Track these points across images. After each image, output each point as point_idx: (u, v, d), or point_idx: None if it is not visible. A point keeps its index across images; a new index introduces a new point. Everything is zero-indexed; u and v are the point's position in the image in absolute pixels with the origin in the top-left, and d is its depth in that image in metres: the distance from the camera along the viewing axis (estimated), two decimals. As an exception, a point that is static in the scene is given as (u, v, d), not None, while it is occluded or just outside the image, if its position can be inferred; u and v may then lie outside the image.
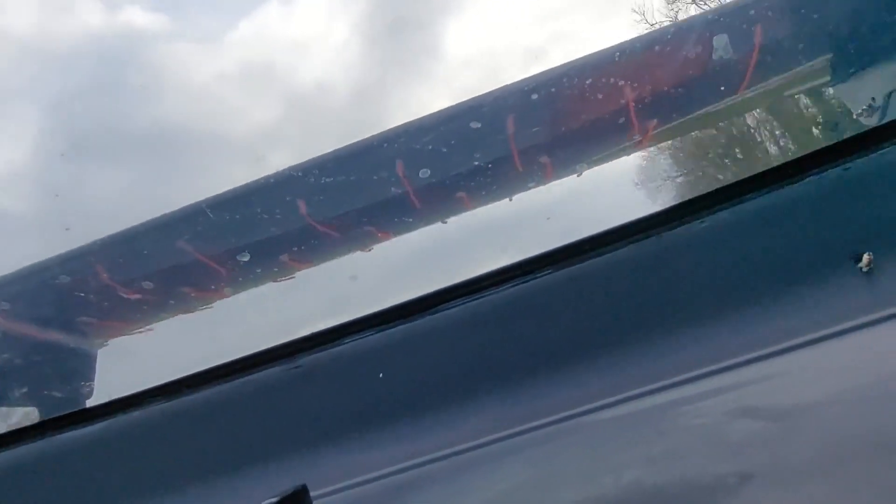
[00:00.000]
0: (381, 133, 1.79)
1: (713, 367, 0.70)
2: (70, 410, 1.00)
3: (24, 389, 1.76)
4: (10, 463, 0.96)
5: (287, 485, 0.63)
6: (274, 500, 0.59)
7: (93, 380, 1.93)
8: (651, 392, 0.71)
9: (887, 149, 0.81)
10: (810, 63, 1.96)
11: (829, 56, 1.95)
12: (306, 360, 0.91)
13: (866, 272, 0.74)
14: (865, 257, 0.74)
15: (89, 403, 1.85)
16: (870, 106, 1.89)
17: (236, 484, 0.85)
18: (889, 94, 1.82)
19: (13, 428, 1.02)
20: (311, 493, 0.65)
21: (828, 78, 2.04)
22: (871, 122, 1.89)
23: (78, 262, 1.85)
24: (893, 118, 0.83)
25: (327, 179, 1.78)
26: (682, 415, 0.64)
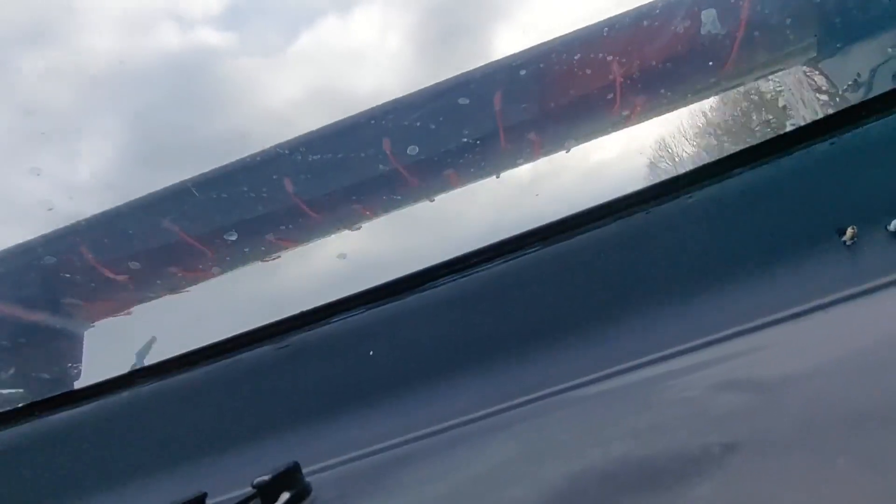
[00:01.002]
0: (369, 110, 1.76)
1: (699, 342, 0.71)
2: (58, 392, 0.99)
3: (11, 371, 1.75)
4: None
5: (279, 462, 0.63)
6: (266, 477, 0.59)
7: (80, 361, 1.92)
8: (638, 367, 0.72)
9: (872, 123, 0.81)
10: (797, 38, 1.96)
11: (816, 31, 1.95)
12: (295, 338, 0.91)
13: (850, 246, 0.75)
14: (850, 231, 0.75)
15: (77, 385, 1.84)
16: (855, 81, 1.90)
17: (228, 463, 0.85)
18: (874, 70, 1.83)
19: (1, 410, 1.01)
20: (304, 470, 0.66)
21: (814, 53, 2.04)
22: (857, 97, 1.90)
23: (63, 242, 1.83)
24: (878, 93, 0.83)
25: (314, 157, 1.76)
26: (669, 388, 0.65)
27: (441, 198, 2.09)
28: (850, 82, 1.92)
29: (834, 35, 1.91)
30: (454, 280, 0.88)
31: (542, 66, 1.78)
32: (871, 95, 1.75)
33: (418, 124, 1.72)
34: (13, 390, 1.74)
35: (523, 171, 2.12)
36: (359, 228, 2.06)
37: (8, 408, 1.00)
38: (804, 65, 2.35)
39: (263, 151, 1.76)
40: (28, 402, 1.00)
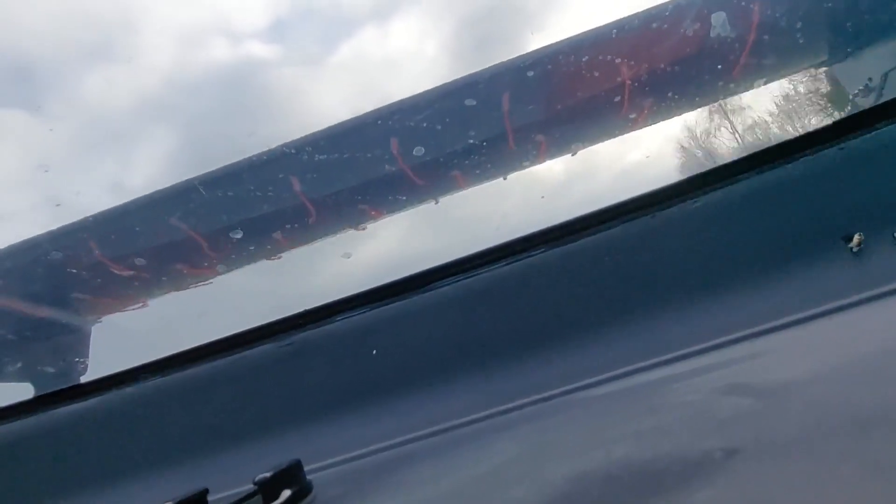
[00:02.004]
0: (376, 110, 1.76)
1: (703, 345, 0.71)
2: (64, 386, 1.00)
3: (19, 365, 1.76)
4: (4, 438, 0.96)
5: (281, 460, 0.63)
6: (268, 474, 0.60)
7: (87, 356, 1.93)
8: (642, 370, 0.71)
9: (882, 129, 0.81)
10: (807, 42, 1.94)
11: (827, 35, 1.93)
12: (299, 337, 0.92)
13: (856, 252, 0.75)
14: (856, 237, 0.75)
15: (83, 379, 1.85)
16: (866, 86, 1.89)
17: (230, 459, 0.86)
18: (886, 75, 1.81)
19: (8, 403, 1.02)
20: (305, 468, 0.66)
21: (825, 57, 2.03)
22: (868, 102, 1.89)
23: (70, 238, 1.84)
24: (889, 98, 0.83)
25: (321, 157, 1.76)
26: (673, 392, 0.65)
27: (447, 198, 2.09)
28: (860, 87, 1.91)
29: (845, 39, 1.89)
30: (458, 281, 0.88)
31: (549, 67, 1.77)
32: (881, 101, 1.74)
33: (425, 125, 1.72)
34: (20, 384, 1.76)
35: (529, 173, 2.11)
36: (364, 228, 2.06)
37: (15, 401, 1.01)
38: (814, 68, 2.33)
39: (270, 150, 1.76)
40: (35, 396, 1.01)
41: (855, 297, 0.68)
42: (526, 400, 0.74)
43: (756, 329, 0.70)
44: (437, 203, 2.06)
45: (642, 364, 0.72)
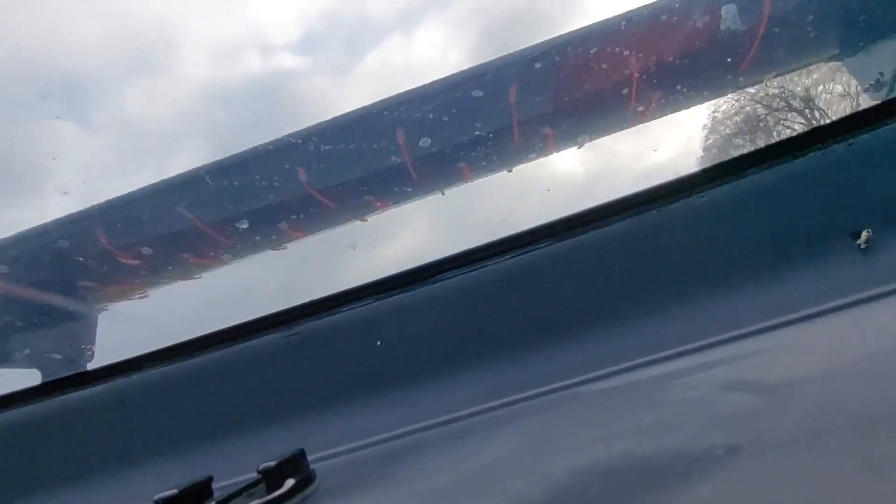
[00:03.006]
0: (382, 101, 1.76)
1: (708, 341, 0.70)
2: (71, 373, 1.01)
3: (26, 351, 1.78)
4: (11, 423, 0.97)
5: (285, 449, 0.64)
6: (272, 463, 0.60)
7: (93, 343, 1.95)
8: (645, 364, 0.71)
9: (893, 125, 0.80)
10: (819, 35, 1.92)
11: (838, 29, 1.91)
12: (304, 327, 0.92)
13: (864, 249, 0.74)
14: (864, 234, 0.74)
15: (90, 367, 1.87)
16: (877, 81, 1.87)
17: (235, 448, 0.86)
18: (897, 69, 1.79)
19: (15, 389, 1.03)
20: (309, 458, 0.66)
21: (836, 51, 2.01)
22: (879, 97, 1.87)
23: (77, 226, 1.85)
24: (900, 94, 0.82)
25: (327, 147, 1.76)
26: (676, 387, 0.65)
27: (453, 190, 2.08)
28: (872, 82, 1.89)
29: (857, 33, 1.87)
30: (463, 273, 0.88)
31: (557, 59, 1.76)
32: (892, 96, 1.72)
33: (431, 116, 1.72)
34: (28, 370, 1.77)
35: (535, 166, 2.10)
36: (368, 220, 2.06)
37: (22, 387, 1.02)
38: (826, 62, 2.31)
39: (276, 140, 1.76)
40: (42, 382, 1.02)
41: (862, 294, 0.68)
42: (528, 393, 0.74)
43: (762, 325, 0.69)
44: (443, 195, 2.06)
45: (646, 359, 0.72)
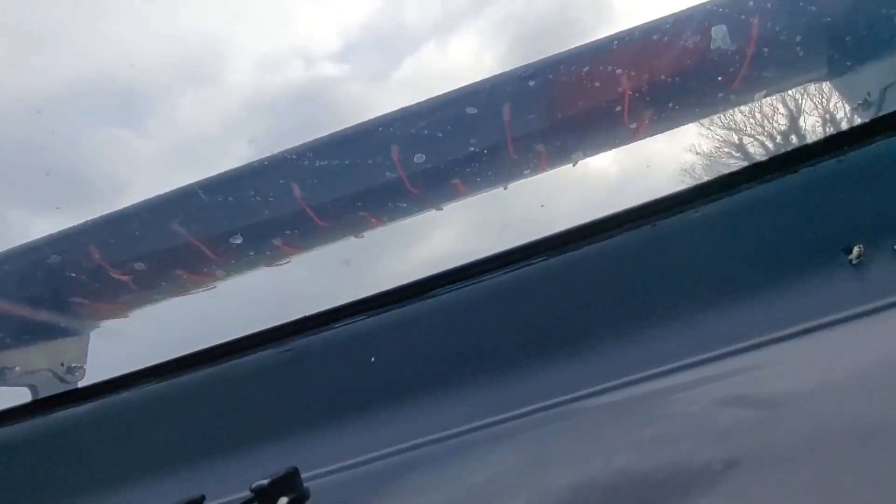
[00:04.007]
0: (377, 117, 1.77)
1: (703, 356, 0.70)
2: (61, 391, 1.00)
3: (17, 369, 1.76)
4: (1, 441, 0.96)
5: (278, 467, 0.63)
6: (265, 481, 0.59)
7: (85, 360, 1.93)
8: (641, 380, 0.71)
9: (881, 142, 0.81)
10: (808, 56, 1.96)
11: (827, 49, 1.94)
12: (298, 343, 0.91)
13: (856, 264, 0.75)
14: (856, 249, 0.75)
15: (81, 384, 1.84)
16: (865, 100, 1.90)
17: (227, 466, 0.85)
18: (885, 89, 1.83)
19: (5, 407, 1.02)
20: (302, 476, 0.66)
21: (825, 71, 2.04)
22: (867, 115, 1.90)
23: (70, 242, 1.84)
24: (888, 112, 0.83)
25: (322, 163, 1.77)
26: (672, 402, 0.65)
27: (448, 206, 2.09)
28: (860, 101, 1.92)
29: (845, 53, 1.91)
30: (458, 289, 0.88)
31: (551, 77, 1.78)
32: (880, 114, 1.75)
33: (426, 132, 1.73)
34: (20, 387, 1.75)
35: (529, 182, 2.11)
36: (363, 236, 2.06)
37: (12, 405, 1.01)
38: (814, 82, 2.34)
39: (271, 156, 1.76)
40: (32, 399, 1.01)
41: (855, 310, 0.68)
42: (525, 409, 0.74)
43: (756, 340, 0.70)
44: (440, 210, 2.06)
45: (643, 374, 0.71)
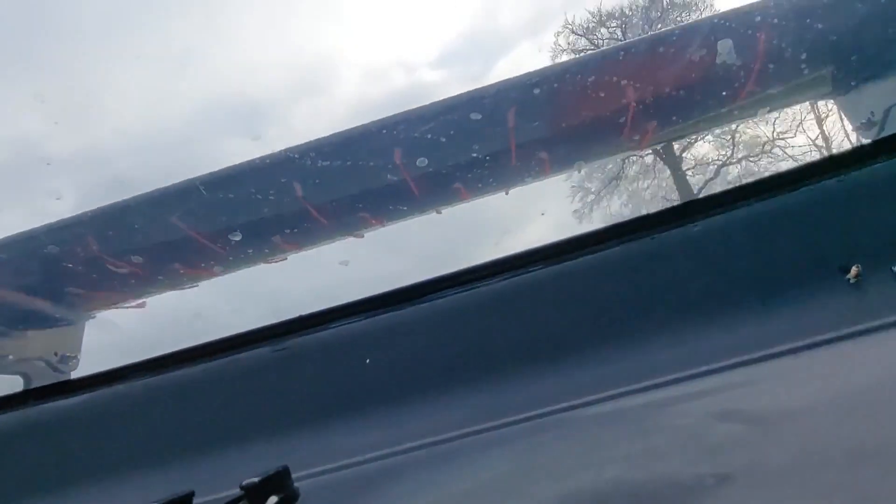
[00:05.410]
0: (381, 119, 1.77)
1: (697, 370, 0.70)
2: (55, 381, 0.99)
3: (10, 357, 1.75)
4: None
5: (269, 466, 0.63)
6: (255, 480, 0.59)
7: (79, 351, 1.92)
8: (635, 391, 0.71)
9: (882, 163, 0.81)
10: (812, 73, 1.96)
11: (832, 67, 1.95)
12: (293, 342, 0.91)
13: (854, 284, 0.75)
14: (854, 269, 0.75)
15: (74, 375, 1.84)
16: (868, 120, 1.90)
17: (218, 462, 0.85)
18: (888, 110, 1.83)
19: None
20: (293, 475, 0.65)
21: (829, 89, 2.05)
22: (869, 136, 1.90)
23: (68, 232, 1.83)
24: (890, 133, 0.84)
25: (324, 163, 1.76)
26: (664, 415, 0.65)
27: (448, 210, 2.09)
28: (863, 121, 1.92)
29: (849, 73, 1.91)
30: (455, 294, 0.88)
31: (556, 85, 1.78)
32: (882, 135, 1.76)
33: (429, 136, 1.73)
34: (12, 376, 1.75)
35: (531, 189, 2.12)
36: (363, 236, 2.06)
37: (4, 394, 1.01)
38: (818, 100, 2.35)
39: (273, 154, 1.76)
40: (24, 389, 1.00)
41: (850, 329, 0.68)
42: (517, 417, 0.74)
43: (750, 356, 0.70)
44: (440, 213, 2.06)
45: (636, 386, 0.71)
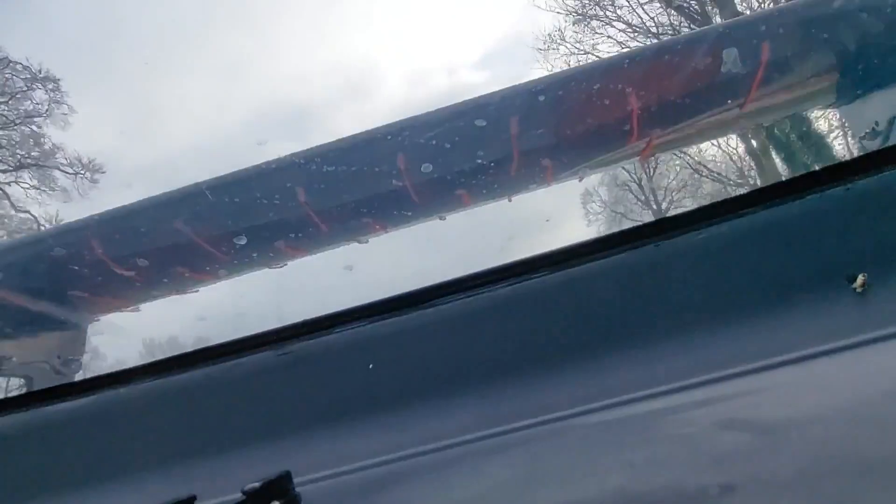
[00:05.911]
0: (385, 125, 1.78)
1: (702, 378, 0.70)
2: (57, 384, 0.99)
3: (13, 360, 1.76)
4: None
5: (271, 470, 0.63)
6: (257, 484, 0.59)
7: (82, 354, 1.93)
8: (639, 399, 0.71)
9: (888, 172, 0.81)
10: (817, 82, 1.96)
11: (836, 77, 1.95)
12: (297, 347, 0.91)
13: (860, 293, 0.75)
14: (860, 278, 0.75)
15: (77, 378, 1.84)
16: (873, 129, 1.90)
17: (220, 467, 0.85)
18: (893, 119, 1.83)
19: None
20: (295, 480, 0.65)
21: (833, 98, 2.05)
22: (874, 145, 1.90)
23: (74, 235, 1.84)
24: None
25: (329, 168, 1.77)
26: (669, 423, 0.64)
27: (452, 216, 2.09)
28: (867, 130, 1.92)
29: (854, 82, 1.91)
30: (459, 299, 0.88)
31: (560, 93, 1.79)
32: (887, 144, 1.75)
33: (434, 143, 1.73)
34: (15, 378, 1.75)
35: (535, 196, 2.12)
36: (367, 242, 2.07)
37: (7, 396, 1.01)
38: (822, 109, 2.35)
39: (279, 159, 1.77)
40: (27, 391, 1.01)
41: (857, 338, 0.68)
42: (520, 424, 0.73)
43: (756, 365, 0.69)
44: (443, 219, 2.07)
45: (640, 394, 0.71)
